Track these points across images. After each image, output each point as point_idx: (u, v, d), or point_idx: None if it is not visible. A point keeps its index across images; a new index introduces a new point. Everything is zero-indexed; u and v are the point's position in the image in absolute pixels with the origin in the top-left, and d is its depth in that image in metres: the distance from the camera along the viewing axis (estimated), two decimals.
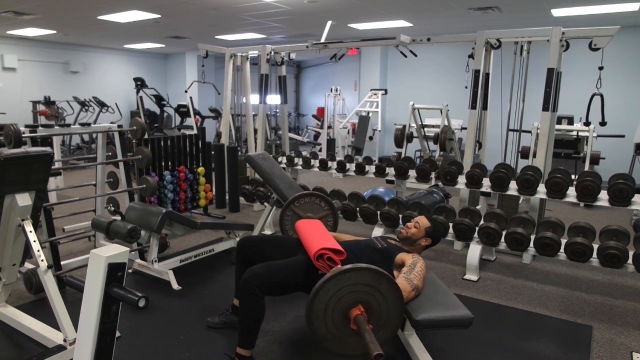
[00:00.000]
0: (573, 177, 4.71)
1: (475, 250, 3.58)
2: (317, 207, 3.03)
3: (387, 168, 4.31)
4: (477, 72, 4.08)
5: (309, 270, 2.20)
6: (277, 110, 9.69)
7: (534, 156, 5.87)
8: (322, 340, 1.86)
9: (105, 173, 4.04)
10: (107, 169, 4.07)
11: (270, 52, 5.52)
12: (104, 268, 1.58)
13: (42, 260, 2.35)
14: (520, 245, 3.32)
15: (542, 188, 3.46)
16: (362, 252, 2.37)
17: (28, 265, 3.08)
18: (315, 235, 2.34)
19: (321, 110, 11.30)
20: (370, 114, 9.11)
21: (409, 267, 2.18)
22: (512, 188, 3.55)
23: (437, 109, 7.30)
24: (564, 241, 3.17)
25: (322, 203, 3.05)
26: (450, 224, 3.65)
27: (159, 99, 8.79)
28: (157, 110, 9.42)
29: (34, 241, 2.35)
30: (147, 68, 11.99)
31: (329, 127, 9.25)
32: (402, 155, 6.94)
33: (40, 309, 2.86)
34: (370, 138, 9.02)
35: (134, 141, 3.88)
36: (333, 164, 4.81)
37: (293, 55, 5.77)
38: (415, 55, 4.86)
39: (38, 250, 2.35)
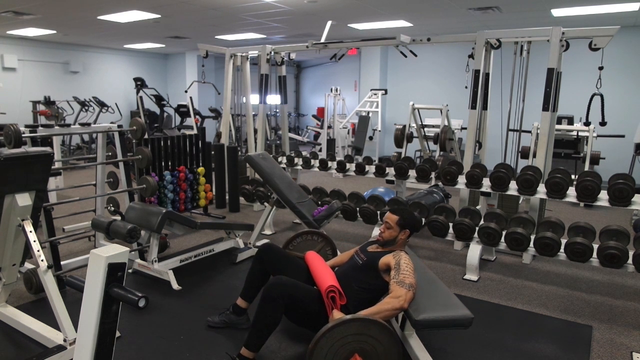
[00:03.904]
0: (573, 177, 4.71)
1: (475, 250, 3.58)
2: (311, 243, 3.01)
3: (387, 168, 4.31)
4: (477, 72, 4.08)
5: (322, 303, 2.23)
6: (277, 110, 9.69)
7: (534, 156, 5.86)
8: None
9: (105, 173, 4.04)
10: (107, 169, 4.07)
11: (270, 52, 5.52)
12: (104, 268, 1.58)
13: (42, 260, 2.35)
14: (520, 245, 3.32)
15: (542, 188, 3.46)
16: (350, 278, 2.37)
17: (28, 265, 3.08)
18: (325, 272, 2.38)
19: (321, 110, 11.30)
20: (370, 114, 9.11)
21: (395, 269, 2.17)
22: (512, 188, 3.55)
23: (437, 109, 7.30)
24: (564, 241, 3.17)
25: (314, 237, 3.02)
26: (450, 224, 3.65)
27: (159, 99, 8.78)
28: (157, 110, 9.41)
29: (34, 241, 2.35)
30: (147, 68, 11.99)
31: (329, 127, 9.25)
32: (402, 155, 6.94)
33: (40, 309, 2.86)
34: (370, 138, 9.02)
35: (134, 141, 3.88)
36: (333, 164, 4.81)
37: (293, 55, 5.77)
38: (415, 55, 4.85)
39: (38, 250, 2.35)
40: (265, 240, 4.19)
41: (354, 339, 1.85)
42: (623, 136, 6.66)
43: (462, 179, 3.83)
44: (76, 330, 1.86)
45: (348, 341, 1.84)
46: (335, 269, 2.55)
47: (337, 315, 2.05)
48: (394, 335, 1.91)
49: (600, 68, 3.79)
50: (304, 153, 5.19)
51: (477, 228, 3.53)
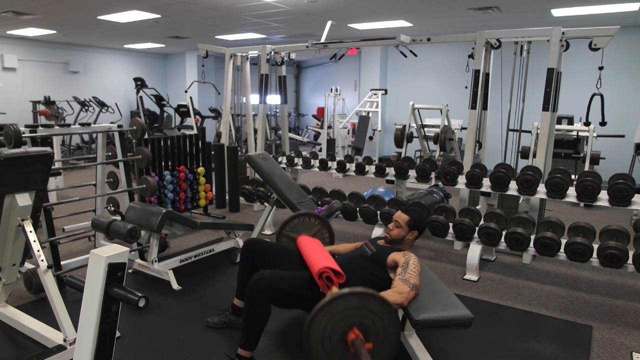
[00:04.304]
0: (573, 177, 4.70)
1: (475, 250, 3.58)
2: (308, 225, 2.97)
3: (387, 168, 4.30)
4: (477, 72, 4.08)
5: (314, 287, 2.20)
6: (277, 110, 9.69)
7: (534, 156, 5.86)
8: None
9: (105, 173, 4.04)
10: (107, 169, 4.07)
11: (270, 52, 5.52)
12: (104, 268, 1.58)
13: (42, 260, 2.35)
14: (520, 245, 3.32)
15: (542, 188, 3.46)
16: (356, 265, 2.36)
17: (28, 265, 3.08)
18: (317, 254, 2.34)
19: (321, 110, 11.30)
20: (370, 114, 9.11)
21: (402, 267, 2.17)
22: (512, 188, 3.55)
23: (437, 109, 7.30)
24: (564, 241, 3.17)
25: (311, 219, 3.00)
26: (450, 224, 3.65)
27: (159, 99, 8.79)
28: (157, 110, 9.42)
29: (34, 241, 2.35)
30: (147, 68, 11.99)
31: (329, 127, 9.25)
32: (402, 155, 6.93)
33: (40, 309, 2.86)
34: (370, 138, 9.02)
35: (134, 141, 3.88)
36: (333, 164, 4.80)
37: (293, 55, 5.77)
38: (415, 55, 4.85)
39: (38, 250, 2.35)
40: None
41: (353, 312, 1.82)
42: (623, 136, 6.66)
43: (462, 179, 3.83)
44: (76, 330, 1.86)
45: (347, 314, 1.82)
46: (336, 257, 2.51)
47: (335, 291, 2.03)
48: (394, 312, 1.90)
49: (600, 68, 3.79)
50: (304, 153, 5.19)
51: (477, 228, 3.53)
